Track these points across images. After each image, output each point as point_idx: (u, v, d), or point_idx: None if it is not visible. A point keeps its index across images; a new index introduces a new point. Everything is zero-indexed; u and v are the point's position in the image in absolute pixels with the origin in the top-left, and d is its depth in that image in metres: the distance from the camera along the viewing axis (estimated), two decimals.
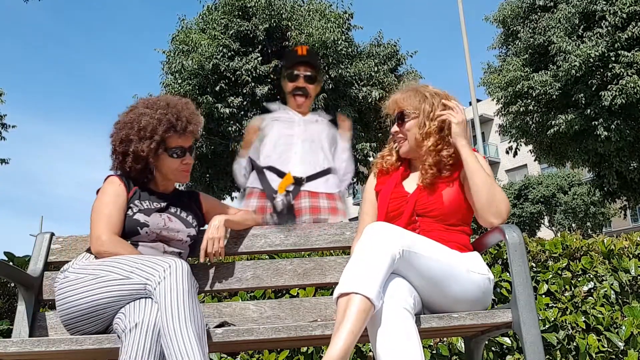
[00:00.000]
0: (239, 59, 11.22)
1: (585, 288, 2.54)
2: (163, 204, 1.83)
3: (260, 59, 11.11)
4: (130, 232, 1.73)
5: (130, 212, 1.75)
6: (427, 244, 1.54)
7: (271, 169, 2.63)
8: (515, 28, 14.11)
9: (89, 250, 1.73)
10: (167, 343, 1.41)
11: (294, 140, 2.65)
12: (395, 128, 1.84)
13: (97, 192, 1.81)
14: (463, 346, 2.26)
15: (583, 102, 12.16)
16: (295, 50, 2.86)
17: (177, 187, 2.01)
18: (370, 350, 2.41)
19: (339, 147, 2.73)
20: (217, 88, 11.14)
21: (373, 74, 11.98)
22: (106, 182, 1.81)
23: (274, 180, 2.59)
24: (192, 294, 1.49)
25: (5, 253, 2.51)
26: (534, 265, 2.60)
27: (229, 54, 11.21)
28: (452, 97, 1.83)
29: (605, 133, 11.97)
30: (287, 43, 11.60)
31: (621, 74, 11.59)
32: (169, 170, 1.84)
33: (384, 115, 1.91)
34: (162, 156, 1.80)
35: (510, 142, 14.73)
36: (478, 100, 16.58)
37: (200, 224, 1.96)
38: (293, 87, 2.71)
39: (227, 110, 11.09)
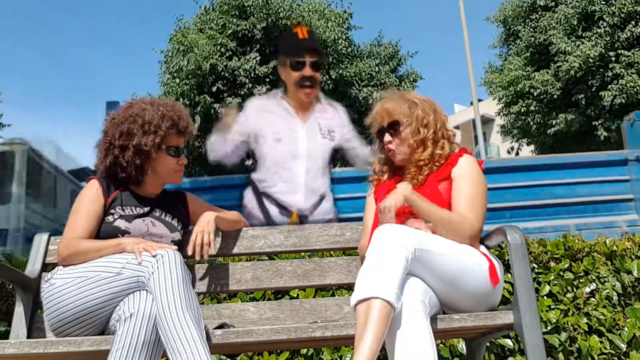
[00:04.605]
0: (237, 58, 11.17)
1: (588, 289, 2.52)
2: (146, 209, 1.79)
3: (258, 58, 11.05)
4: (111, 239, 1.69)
5: (110, 219, 1.72)
6: (436, 241, 1.54)
7: (272, 200, 2.43)
8: (516, 28, 14.11)
9: None
10: (165, 330, 1.39)
11: (297, 165, 2.38)
12: (388, 138, 1.80)
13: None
14: (464, 348, 2.24)
15: (583, 102, 12.14)
16: (295, 33, 2.45)
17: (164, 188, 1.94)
18: None
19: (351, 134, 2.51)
20: (215, 88, 11.09)
21: (374, 74, 11.92)
22: (86, 186, 1.78)
23: (274, 214, 2.41)
24: (186, 281, 1.49)
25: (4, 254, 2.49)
26: (535, 266, 2.59)
27: (227, 53, 11.16)
28: (435, 103, 1.84)
29: (605, 134, 11.94)
30: None
31: (621, 73, 11.57)
32: (165, 170, 1.81)
33: (368, 124, 1.88)
34: (161, 154, 1.78)
35: (512, 142, 14.72)
36: (479, 100, 16.55)
37: (186, 225, 1.92)
38: (299, 77, 2.37)
39: None
